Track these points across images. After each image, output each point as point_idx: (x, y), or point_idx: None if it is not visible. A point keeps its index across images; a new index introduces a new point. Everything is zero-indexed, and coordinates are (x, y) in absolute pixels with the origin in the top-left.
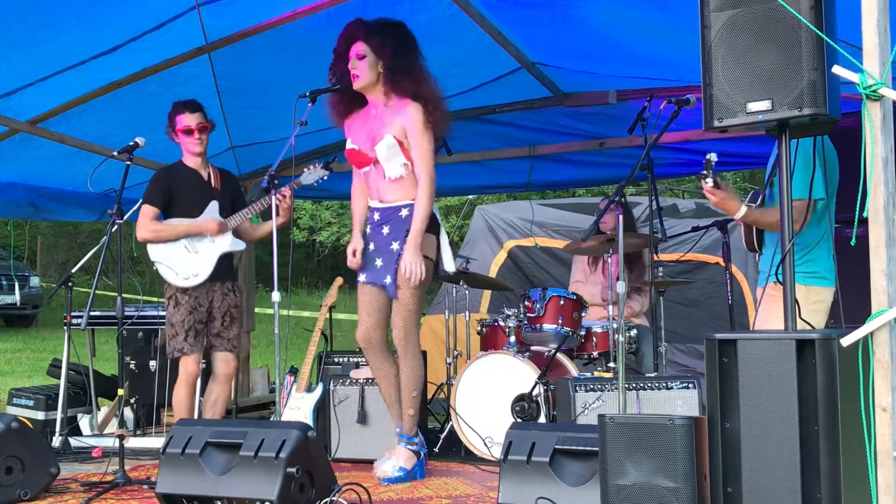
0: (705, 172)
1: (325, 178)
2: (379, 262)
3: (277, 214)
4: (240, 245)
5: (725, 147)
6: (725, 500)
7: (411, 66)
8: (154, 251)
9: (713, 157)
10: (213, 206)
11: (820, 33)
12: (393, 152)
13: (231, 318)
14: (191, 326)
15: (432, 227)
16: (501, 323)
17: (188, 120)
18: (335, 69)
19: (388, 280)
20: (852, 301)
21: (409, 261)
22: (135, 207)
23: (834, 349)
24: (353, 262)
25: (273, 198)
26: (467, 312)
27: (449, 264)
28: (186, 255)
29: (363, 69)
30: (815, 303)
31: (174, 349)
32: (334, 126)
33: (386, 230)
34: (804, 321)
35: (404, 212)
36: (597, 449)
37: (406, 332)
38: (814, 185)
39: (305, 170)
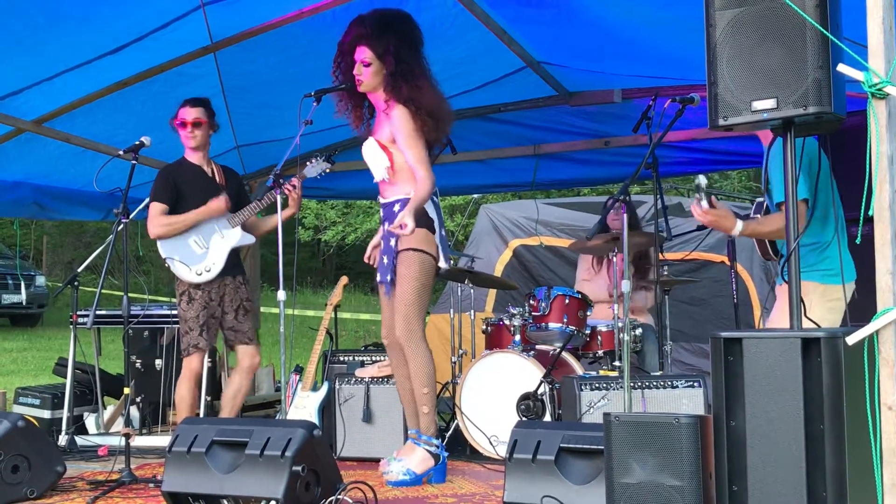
0: (698, 196)
1: (328, 170)
2: (385, 259)
3: (285, 207)
4: (249, 239)
5: (730, 146)
6: (731, 498)
7: (412, 72)
8: (165, 247)
9: (703, 180)
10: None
11: (825, 31)
12: (375, 156)
13: (245, 311)
14: (205, 322)
15: (429, 224)
16: (506, 322)
17: (184, 114)
18: (338, 62)
19: (389, 277)
20: (858, 299)
21: (403, 216)
22: (140, 206)
23: (839, 347)
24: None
25: (279, 191)
26: (472, 311)
27: (441, 261)
28: (198, 251)
29: (368, 76)
30: (833, 300)
31: (189, 345)
32: (351, 127)
33: (386, 226)
34: (810, 319)
35: (397, 207)
36: (602, 447)
37: (407, 328)
38: (798, 187)
39: (308, 163)
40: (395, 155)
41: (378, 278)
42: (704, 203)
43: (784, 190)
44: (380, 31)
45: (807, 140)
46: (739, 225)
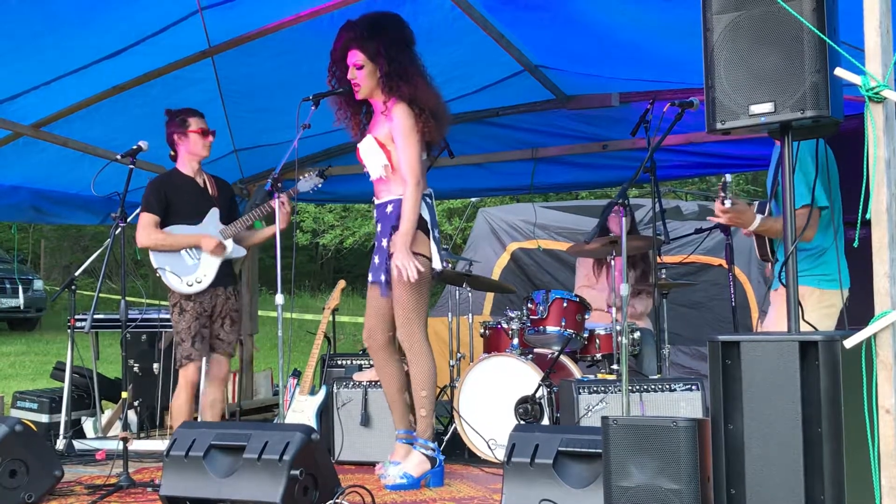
0: (723, 195)
1: (320, 185)
2: (376, 259)
3: (274, 221)
4: (241, 252)
5: (728, 149)
6: (728, 502)
7: (406, 70)
8: (157, 258)
9: (729, 178)
10: (214, 214)
11: (822, 35)
12: (371, 153)
13: (231, 322)
14: (197, 332)
15: (422, 225)
16: (504, 325)
17: (202, 123)
18: (333, 71)
19: (383, 278)
20: (856, 303)
21: (399, 261)
22: (136, 212)
23: (837, 351)
24: None
25: (277, 196)
26: (470, 315)
27: (435, 262)
28: (189, 262)
29: (363, 78)
30: (829, 306)
31: (182, 356)
32: (350, 134)
33: (379, 227)
34: (808, 323)
35: (389, 208)
36: (600, 451)
37: (409, 330)
38: (816, 193)
39: (301, 178)
40: (393, 153)
41: (370, 278)
42: (728, 202)
43: (782, 193)
44: (369, 32)
45: (821, 144)
46: (758, 220)
